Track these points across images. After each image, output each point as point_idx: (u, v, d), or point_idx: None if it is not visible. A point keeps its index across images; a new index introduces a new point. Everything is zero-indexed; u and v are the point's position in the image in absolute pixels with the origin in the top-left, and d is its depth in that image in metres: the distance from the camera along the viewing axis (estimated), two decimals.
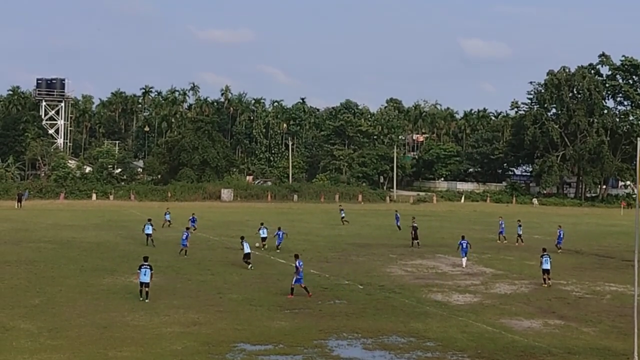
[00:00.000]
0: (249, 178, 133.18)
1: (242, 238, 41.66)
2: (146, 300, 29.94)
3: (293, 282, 31.98)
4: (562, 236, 52.02)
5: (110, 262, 41.19)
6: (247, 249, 40.03)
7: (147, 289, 30.27)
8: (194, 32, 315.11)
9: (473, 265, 43.74)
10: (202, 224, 62.69)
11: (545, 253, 37.16)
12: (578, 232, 67.30)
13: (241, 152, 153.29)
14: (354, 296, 32.44)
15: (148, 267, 30.33)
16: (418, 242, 52.38)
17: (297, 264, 32.10)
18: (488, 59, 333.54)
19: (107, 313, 27.70)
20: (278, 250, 47.15)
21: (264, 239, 48.66)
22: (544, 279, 36.55)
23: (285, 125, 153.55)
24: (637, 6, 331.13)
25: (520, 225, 56.92)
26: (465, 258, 43.44)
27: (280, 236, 48.58)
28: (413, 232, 52.99)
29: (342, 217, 69.73)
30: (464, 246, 43.55)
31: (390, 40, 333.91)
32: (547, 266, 36.42)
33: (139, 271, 30.46)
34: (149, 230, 49.32)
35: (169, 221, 63.55)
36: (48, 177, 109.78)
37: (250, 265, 39.49)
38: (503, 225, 58.13)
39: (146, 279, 30.18)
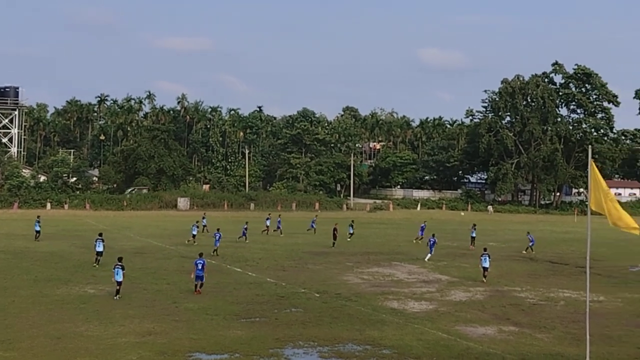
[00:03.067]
0: (206, 187, 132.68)
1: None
2: (115, 297, 32.19)
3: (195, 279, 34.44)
4: (533, 240, 55.65)
5: (64, 272, 40.73)
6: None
7: (118, 287, 32.49)
8: (151, 40, 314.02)
9: (429, 272, 43.99)
10: (157, 233, 62.30)
11: (485, 253, 40.24)
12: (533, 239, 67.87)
13: (198, 161, 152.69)
14: (310, 304, 32.43)
15: (120, 267, 32.53)
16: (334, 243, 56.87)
17: (198, 262, 34.43)
18: (444, 68, 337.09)
19: (60, 324, 27.37)
20: (214, 254, 47.59)
21: (194, 235, 55.70)
22: (484, 275, 40.09)
23: (242, 133, 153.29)
24: (589, 15, 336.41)
25: (474, 229, 57.56)
26: (430, 255, 47.88)
27: (217, 238, 50.03)
28: (334, 232, 57.98)
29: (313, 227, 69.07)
30: (431, 242, 49.23)
31: (348, 49, 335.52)
32: (486, 265, 39.96)
33: (114, 271, 32.64)
34: (99, 247, 44.17)
35: (205, 226, 66.34)
36: (1, 186, 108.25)
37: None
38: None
39: (119, 278, 32.39)
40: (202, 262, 34.55)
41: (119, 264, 32.75)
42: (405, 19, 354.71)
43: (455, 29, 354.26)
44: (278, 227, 67.33)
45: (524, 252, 55.82)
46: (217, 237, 50.26)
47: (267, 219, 68.47)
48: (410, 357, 23.63)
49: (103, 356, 22.94)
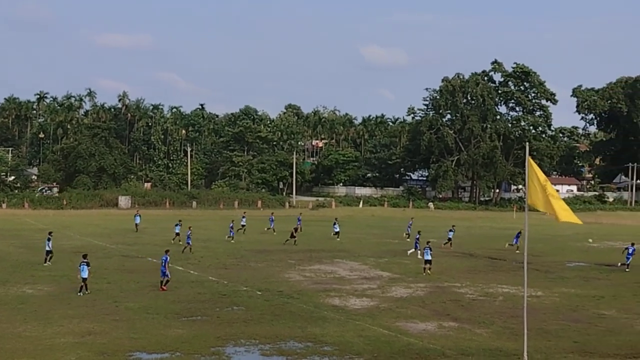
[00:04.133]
0: (147, 185, 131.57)
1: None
2: (79, 294, 32.83)
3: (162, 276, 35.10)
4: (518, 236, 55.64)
5: (2, 272, 40.03)
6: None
7: (83, 284, 33.24)
8: (90, 37, 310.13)
9: (370, 269, 44.25)
10: (98, 232, 61.64)
11: (427, 246, 42.14)
12: (472, 235, 68.88)
13: (139, 159, 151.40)
14: (252, 302, 32.39)
15: (86, 264, 33.41)
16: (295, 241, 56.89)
17: (163, 258, 35.13)
18: (387, 66, 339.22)
19: None
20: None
21: (177, 234, 53.73)
22: (424, 268, 41.78)
23: (184, 131, 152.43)
24: (527, 15, 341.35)
25: (452, 230, 58.32)
26: (416, 251, 49.57)
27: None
28: (294, 231, 58.19)
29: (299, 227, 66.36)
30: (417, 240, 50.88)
31: (290, 47, 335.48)
32: (428, 257, 41.73)
33: (79, 267, 33.45)
34: (49, 246, 43.86)
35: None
36: None
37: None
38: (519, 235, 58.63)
39: (84, 274, 33.19)
40: (164, 258, 34.96)
41: (85, 260, 33.47)
42: (347, 16, 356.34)
43: (398, 27, 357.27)
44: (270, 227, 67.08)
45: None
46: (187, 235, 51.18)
47: (243, 217, 68.43)
48: (351, 354, 23.77)
49: (41, 357, 22.64)
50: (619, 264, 47.08)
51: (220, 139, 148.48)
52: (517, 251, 54.40)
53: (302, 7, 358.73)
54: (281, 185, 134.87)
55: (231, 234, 60.31)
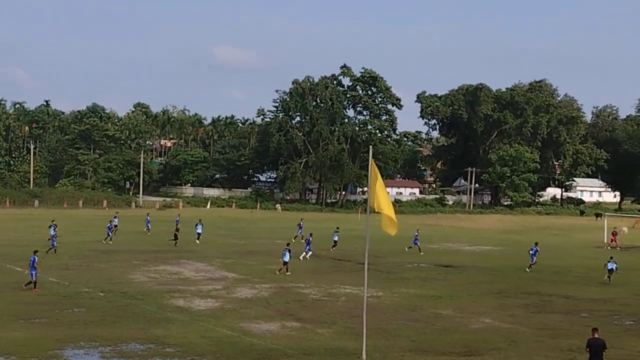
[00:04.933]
0: None
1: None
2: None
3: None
4: (417, 238, 57.97)
5: None
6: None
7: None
8: None
9: (216, 270, 44.27)
10: None
11: (287, 248, 43.18)
12: (318, 237, 69.52)
13: None
14: (94, 304, 31.84)
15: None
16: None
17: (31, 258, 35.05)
18: (238, 66, 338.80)
19: None
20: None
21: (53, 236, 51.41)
22: (281, 269, 42.57)
23: (27, 128, 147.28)
24: (376, 20, 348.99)
25: (417, 235, 58.72)
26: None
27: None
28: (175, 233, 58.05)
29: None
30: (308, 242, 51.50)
31: (141, 45, 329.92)
32: (286, 259, 42.47)
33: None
34: None
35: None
36: None
37: None
38: (417, 236, 59.07)
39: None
40: (32, 259, 34.81)
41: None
42: (199, 15, 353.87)
43: (251, 28, 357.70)
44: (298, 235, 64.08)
45: (407, 249, 57.97)
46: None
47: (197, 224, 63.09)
48: (193, 355, 23.77)
49: None
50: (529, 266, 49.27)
51: (65, 137, 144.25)
52: (422, 253, 56.16)
53: (153, 4, 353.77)
54: (128, 185, 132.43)
55: (109, 235, 58.77)
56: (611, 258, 46.29)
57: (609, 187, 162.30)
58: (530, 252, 49.89)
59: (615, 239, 68.89)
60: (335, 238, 58.22)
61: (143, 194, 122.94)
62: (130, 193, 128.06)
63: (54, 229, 53.82)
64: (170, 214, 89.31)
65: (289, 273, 42.35)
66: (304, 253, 50.69)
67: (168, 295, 34.53)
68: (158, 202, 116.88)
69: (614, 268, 44.61)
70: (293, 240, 62.48)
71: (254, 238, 66.64)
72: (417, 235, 58.57)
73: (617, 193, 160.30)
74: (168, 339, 25.77)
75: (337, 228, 59.66)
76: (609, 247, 65.71)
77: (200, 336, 26.34)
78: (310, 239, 52.02)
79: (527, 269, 48.45)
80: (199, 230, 60.16)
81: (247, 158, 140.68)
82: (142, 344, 25.00)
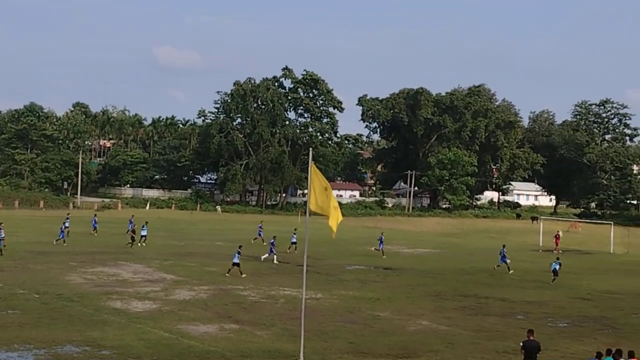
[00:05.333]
0: None
1: None
2: None
3: None
4: (382, 241, 58.43)
5: None
6: None
7: None
8: None
9: (155, 272, 43.89)
10: None
11: (238, 250, 43.70)
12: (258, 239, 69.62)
13: None
14: (29, 306, 31.34)
15: None
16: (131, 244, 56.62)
17: None
18: (180, 67, 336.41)
19: None
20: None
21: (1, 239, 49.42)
22: (230, 270, 42.95)
23: None
24: (318, 23, 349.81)
25: (381, 238, 59.09)
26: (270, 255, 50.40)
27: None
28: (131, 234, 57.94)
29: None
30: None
31: (80, 44, 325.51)
32: (236, 260, 42.99)
33: None
34: None
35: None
36: None
37: None
38: (382, 239, 59.36)
39: None
40: None
41: None
42: (142, 15, 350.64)
43: (193, 29, 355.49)
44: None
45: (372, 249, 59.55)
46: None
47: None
48: (130, 357, 23.56)
49: None
50: (495, 266, 51.17)
51: (2, 136, 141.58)
52: (384, 257, 56.65)
53: (94, 3, 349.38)
54: (66, 185, 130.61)
55: (61, 236, 57.80)
56: (557, 259, 47.88)
57: (545, 191, 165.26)
58: (500, 254, 51.58)
59: (558, 242, 70.19)
60: (294, 239, 58.37)
61: (81, 195, 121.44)
62: (68, 194, 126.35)
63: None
64: (109, 215, 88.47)
65: (244, 275, 42.31)
66: (267, 255, 50.87)
67: (105, 297, 34.13)
68: (96, 203, 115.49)
69: (557, 268, 46.35)
70: (252, 242, 63.04)
71: (194, 240, 66.27)
72: (381, 238, 59.17)
73: (553, 197, 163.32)
74: (104, 341, 25.49)
75: (295, 229, 59.64)
76: (555, 251, 66.64)
77: (137, 338, 26.10)
78: (274, 241, 52.01)
79: (509, 271, 50.36)
80: (144, 233, 59.57)
81: (188, 159, 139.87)
82: (77, 346, 24.69)
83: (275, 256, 50.72)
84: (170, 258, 50.83)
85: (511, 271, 50.32)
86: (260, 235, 65.48)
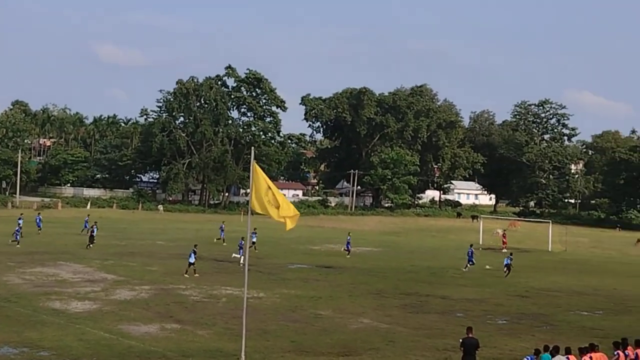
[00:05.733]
0: None
1: None
2: None
3: None
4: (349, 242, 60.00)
5: None
6: None
7: None
8: None
9: (95, 272, 43.46)
10: None
11: (194, 249, 43.67)
12: (200, 238, 69.28)
13: None
14: None
15: None
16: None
17: None
18: (121, 66, 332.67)
19: None
20: None
21: None
22: (187, 270, 42.95)
23: None
24: (263, 23, 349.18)
25: (348, 239, 60.61)
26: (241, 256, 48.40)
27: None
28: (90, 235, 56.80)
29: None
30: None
31: (20, 42, 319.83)
32: (191, 260, 42.82)
33: None
34: None
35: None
36: None
37: None
38: (349, 240, 60.83)
39: None
40: None
41: None
42: (82, 13, 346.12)
43: (135, 27, 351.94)
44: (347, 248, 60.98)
45: (344, 249, 59.90)
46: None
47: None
48: (69, 358, 23.36)
49: None
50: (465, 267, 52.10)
51: None
52: (348, 256, 57.28)
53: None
54: (4, 185, 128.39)
55: (16, 237, 56.61)
56: (510, 254, 50.51)
57: (485, 190, 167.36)
58: (468, 255, 52.82)
59: (505, 240, 71.11)
60: (254, 239, 58.37)
61: (20, 194, 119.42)
62: (7, 193, 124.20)
63: None
64: (49, 215, 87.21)
65: (197, 275, 42.21)
66: (240, 257, 50.00)
67: (44, 298, 33.73)
68: (36, 202, 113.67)
69: (509, 263, 49.01)
70: (215, 241, 63.10)
71: (135, 239, 65.71)
72: (349, 240, 60.56)
73: (493, 196, 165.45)
74: (43, 342, 25.21)
75: (255, 229, 59.36)
76: (503, 249, 67.47)
77: (76, 339, 25.86)
78: (243, 242, 51.53)
79: (464, 269, 52.02)
80: (94, 233, 58.78)
81: (130, 158, 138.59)
82: (15, 347, 24.38)
83: (242, 257, 50.60)
84: (111, 258, 50.35)
85: (465, 269, 51.65)
86: (222, 235, 65.19)
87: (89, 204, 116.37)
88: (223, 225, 67.44)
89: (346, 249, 59.48)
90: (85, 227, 59.43)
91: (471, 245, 54.06)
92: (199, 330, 28.43)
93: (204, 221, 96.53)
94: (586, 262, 63.65)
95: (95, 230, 58.80)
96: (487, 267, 53.28)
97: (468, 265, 52.16)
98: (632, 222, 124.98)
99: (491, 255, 64.08)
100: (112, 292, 36.45)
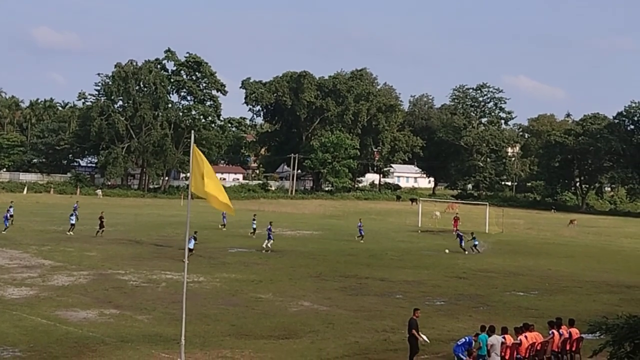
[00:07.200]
0: None
1: None
2: None
3: None
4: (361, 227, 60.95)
5: None
6: None
7: None
8: None
9: (32, 257, 42.91)
10: None
11: (193, 235, 44.05)
12: (139, 222, 69.09)
13: None
14: None
15: None
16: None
17: None
18: (58, 49, 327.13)
19: None
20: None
21: None
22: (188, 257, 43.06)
23: None
24: (203, 5, 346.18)
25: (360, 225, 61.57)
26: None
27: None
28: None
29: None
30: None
31: None
32: (191, 246, 41.61)
33: None
34: None
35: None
36: None
37: None
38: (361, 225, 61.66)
39: None
40: None
41: None
42: None
43: (70, 9, 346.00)
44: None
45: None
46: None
47: None
48: (5, 345, 23.10)
49: None
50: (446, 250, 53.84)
51: None
52: (362, 241, 58.76)
53: None
54: None
55: (5, 224, 55.86)
56: (472, 235, 54.92)
57: (424, 173, 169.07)
58: (358, 227, 59.58)
59: (456, 224, 71.55)
60: (254, 226, 59.37)
61: None
62: None
63: None
64: None
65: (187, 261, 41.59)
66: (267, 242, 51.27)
67: None
68: None
69: (476, 244, 53.54)
70: (219, 227, 63.30)
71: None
72: (360, 225, 61.54)
73: (432, 179, 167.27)
74: None
75: (255, 215, 60.33)
76: (454, 232, 67.85)
77: (13, 325, 25.59)
78: (271, 227, 52.53)
79: (358, 238, 58.03)
80: (73, 222, 57.86)
81: (67, 142, 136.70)
82: None
83: (271, 241, 51.34)
84: (49, 243, 49.72)
85: (447, 250, 53.88)
86: (224, 222, 65.17)
87: (25, 189, 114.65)
88: (225, 213, 66.41)
89: (360, 235, 60.09)
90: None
91: (360, 220, 61.59)
92: (138, 315, 28.32)
93: (143, 205, 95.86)
94: (522, 243, 64.72)
95: (11, 211, 58.54)
96: (446, 250, 53.73)
97: (360, 235, 58.69)
98: (566, 204, 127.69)
99: (429, 237, 64.86)
100: (49, 277, 36.03)
